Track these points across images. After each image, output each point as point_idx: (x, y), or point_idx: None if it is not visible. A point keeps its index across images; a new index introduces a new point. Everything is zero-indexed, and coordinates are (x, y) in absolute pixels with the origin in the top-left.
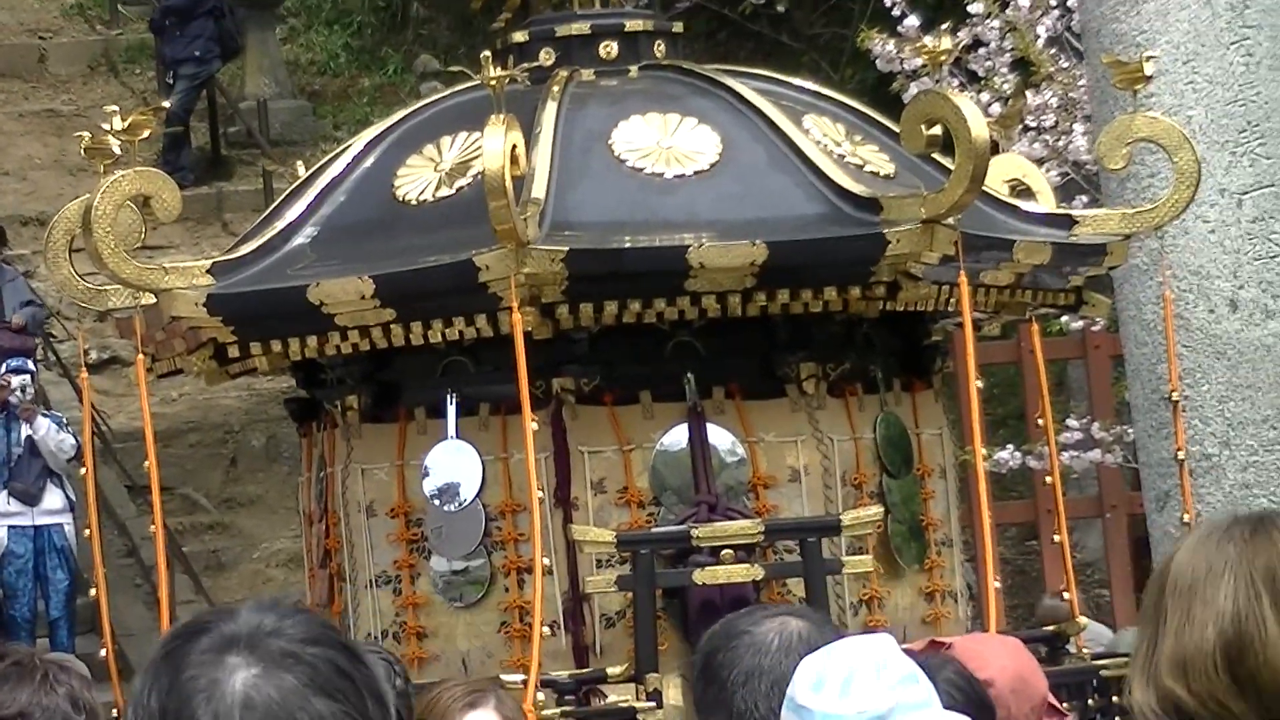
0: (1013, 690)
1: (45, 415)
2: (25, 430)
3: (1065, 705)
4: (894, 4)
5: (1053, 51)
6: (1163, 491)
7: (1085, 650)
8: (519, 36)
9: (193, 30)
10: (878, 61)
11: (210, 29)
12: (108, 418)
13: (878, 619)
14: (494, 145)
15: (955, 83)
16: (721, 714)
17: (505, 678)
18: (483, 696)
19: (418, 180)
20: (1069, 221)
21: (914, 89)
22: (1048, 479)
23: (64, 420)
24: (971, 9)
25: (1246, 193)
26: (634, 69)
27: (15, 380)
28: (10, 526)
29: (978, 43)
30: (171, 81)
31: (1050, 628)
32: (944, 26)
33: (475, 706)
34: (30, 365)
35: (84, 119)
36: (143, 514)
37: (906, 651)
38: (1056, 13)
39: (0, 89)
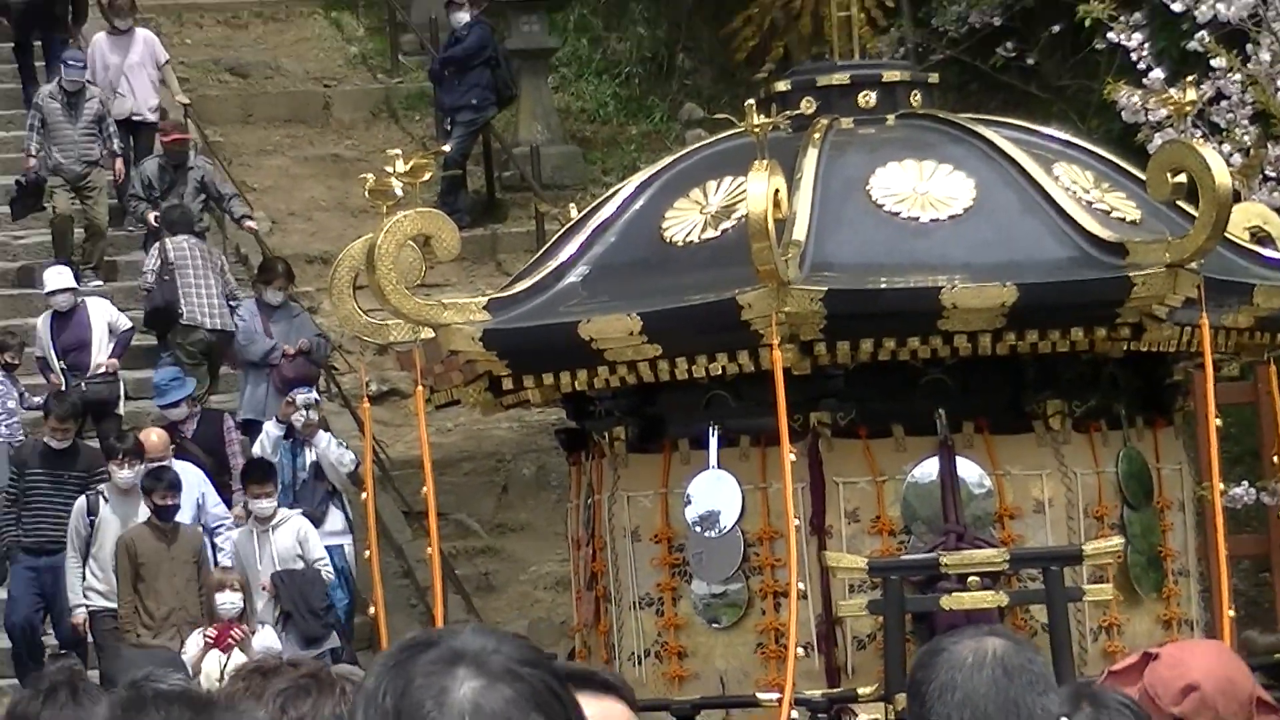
0: (1220, 691)
1: (326, 433)
2: (310, 457)
3: None
4: (1139, 58)
5: None
6: None
7: None
8: (781, 86)
9: (470, 79)
10: (1123, 113)
11: (486, 78)
12: (386, 447)
13: (1116, 645)
14: (758, 189)
15: (1198, 134)
16: None
17: (761, 696)
18: None
19: (684, 222)
20: None
21: (1158, 139)
22: None
23: (344, 443)
24: (1214, 63)
25: None
26: (891, 118)
27: (300, 398)
28: None
29: (1220, 95)
30: (449, 127)
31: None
32: (1188, 79)
33: None
34: (314, 394)
35: (366, 163)
36: (418, 538)
37: (1113, 670)
38: None
39: (287, 134)
